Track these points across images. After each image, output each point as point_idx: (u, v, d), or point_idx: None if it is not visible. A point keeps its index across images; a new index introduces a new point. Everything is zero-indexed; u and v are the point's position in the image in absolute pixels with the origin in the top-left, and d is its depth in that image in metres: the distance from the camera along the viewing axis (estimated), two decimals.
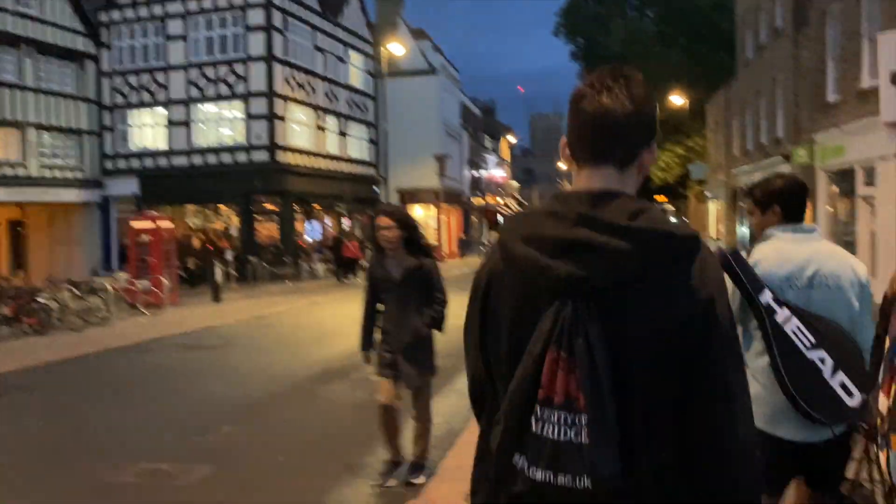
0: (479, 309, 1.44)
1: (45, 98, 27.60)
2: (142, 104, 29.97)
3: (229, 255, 27.33)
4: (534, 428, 1.27)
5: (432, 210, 39.53)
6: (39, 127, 27.36)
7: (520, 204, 75.79)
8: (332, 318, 15.87)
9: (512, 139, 76.63)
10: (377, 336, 5.37)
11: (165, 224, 20.98)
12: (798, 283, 2.71)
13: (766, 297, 2.63)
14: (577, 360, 1.23)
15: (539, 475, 1.26)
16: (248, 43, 28.30)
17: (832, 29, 18.08)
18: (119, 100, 30.17)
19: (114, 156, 30.33)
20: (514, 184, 78.71)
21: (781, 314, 2.63)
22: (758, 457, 1.35)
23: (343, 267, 27.73)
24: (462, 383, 8.02)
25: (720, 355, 1.31)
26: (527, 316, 1.32)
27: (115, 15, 29.98)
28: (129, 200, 30.12)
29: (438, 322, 5.25)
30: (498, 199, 61.64)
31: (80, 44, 29.21)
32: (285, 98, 29.02)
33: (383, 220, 5.13)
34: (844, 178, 17.94)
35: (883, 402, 2.11)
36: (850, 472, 2.96)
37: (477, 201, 50.45)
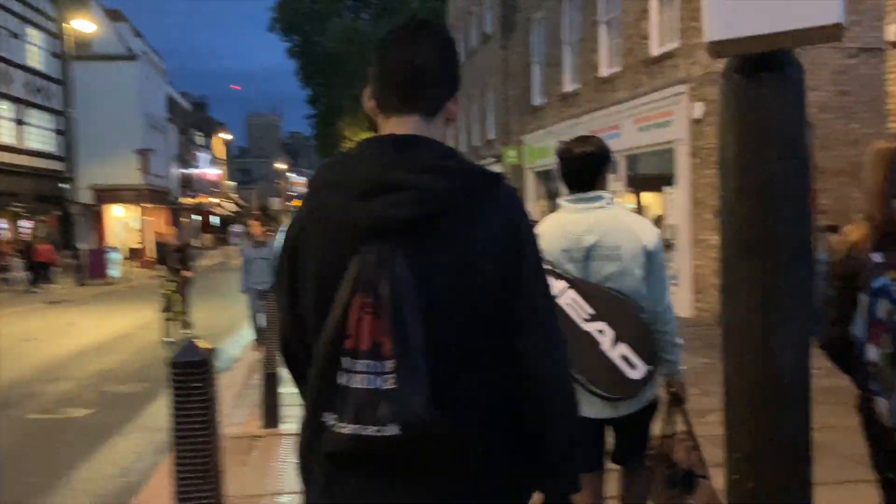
0: (288, 262, 1.39)
1: None
2: None
3: None
4: (340, 380, 1.23)
5: (135, 210, 35.67)
6: None
7: (236, 203, 72.59)
8: None
9: (226, 136, 72.96)
10: None
11: None
12: (577, 255, 2.62)
13: None
14: (381, 303, 1.21)
15: (346, 430, 1.22)
16: None
17: (537, 36, 19.01)
18: None
19: None
20: (230, 183, 75.04)
21: (556, 286, 2.54)
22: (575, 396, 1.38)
23: (35, 272, 23.84)
24: (150, 417, 6.48)
25: (529, 282, 1.32)
26: (335, 264, 1.27)
27: None
28: None
29: None
30: (211, 198, 58.08)
31: None
32: None
33: None
34: (549, 178, 18.97)
35: (874, 352, 2.08)
36: (653, 442, 2.86)
37: (187, 201, 46.84)
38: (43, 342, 12.32)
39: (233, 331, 12.34)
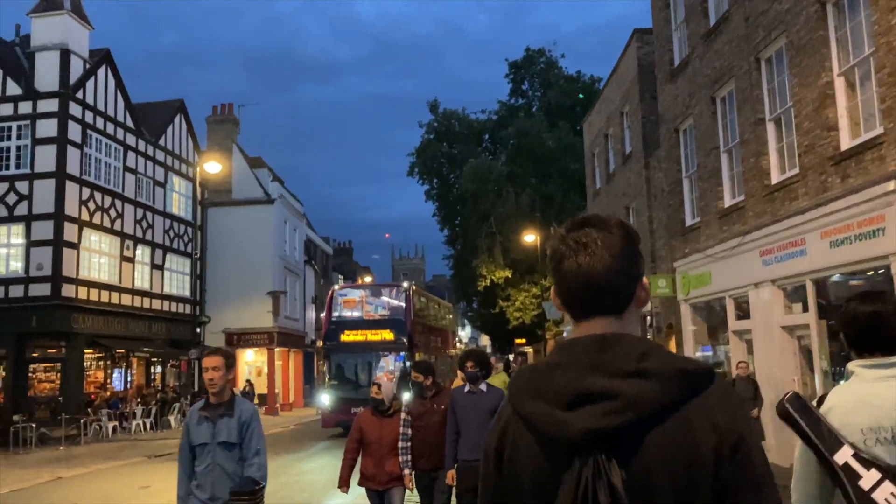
0: (494, 480, 1.38)
1: None
2: None
3: None
4: None
5: (264, 354, 34.89)
6: None
7: None
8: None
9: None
10: None
11: None
12: (886, 434, 2.18)
13: (845, 454, 2.15)
14: None
15: None
16: (34, 157, 23.97)
17: (686, 147, 16.41)
18: None
19: None
20: None
21: (868, 478, 2.11)
22: None
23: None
24: None
25: (751, 487, 1.26)
26: (548, 478, 1.26)
27: None
28: None
29: None
30: None
31: None
32: (79, 222, 24.53)
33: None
34: (712, 311, 15.70)
35: None
36: None
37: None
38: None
39: None
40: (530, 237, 35.44)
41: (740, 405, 1.32)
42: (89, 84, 25.52)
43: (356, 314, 22.79)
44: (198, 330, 32.91)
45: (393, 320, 22.29)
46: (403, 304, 22.72)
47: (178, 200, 31.67)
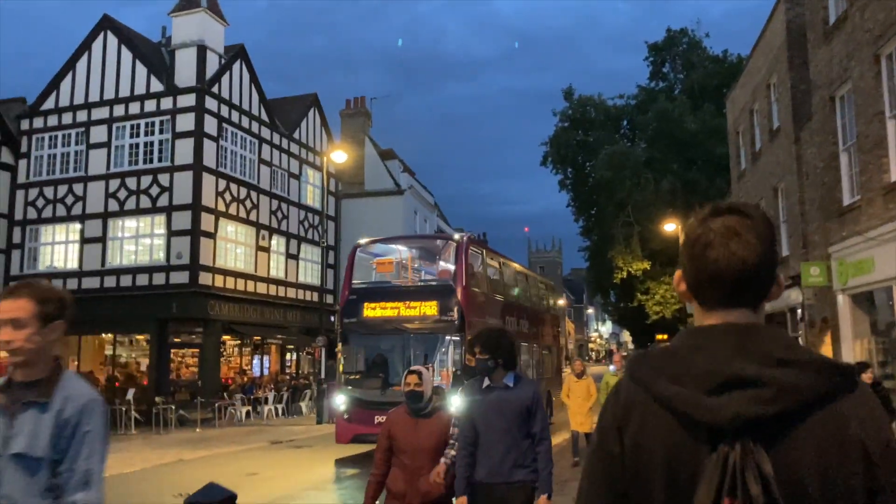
0: (612, 463, 1.33)
1: None
2: (55, 219, 26.37)
3: (130, 395, 22.82)
4: None
5: None
6: None
7: None
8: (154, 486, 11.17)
9: None
10: None
11: None
12: None
13: None
14: None
15: None
16: (175, 150, 25.03)
17: (844, 116, 14.41)
18: (32, 214, 26.64)
19: (20, 277, 26.39)
20: None
21: None
22: None
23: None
24: None
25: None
26: (686, 461, 1.24)
27: (38, 122, 26.99)
28: None
29: None
30: None
31: None
32: (216, 212, 25.40)
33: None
34: (874, 302, 13.68)
35: None
36: None
37: None
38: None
39: None
40: (670, 226, 33.37)
41: (882, 410, 1.28)
42: (224, 79, 26.37)
43: (386, 278, 15.47)
44: (332, 318, 33.49)
45: (439, 287, 14.58)
46: (453, 266, 14.82)
47: (312, 192, 32.29)
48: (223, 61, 26.61)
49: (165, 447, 17.41)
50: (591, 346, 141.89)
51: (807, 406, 1.20)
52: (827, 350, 14.94)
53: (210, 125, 25.32)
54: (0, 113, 26.52)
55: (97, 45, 26.47)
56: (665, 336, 46.07)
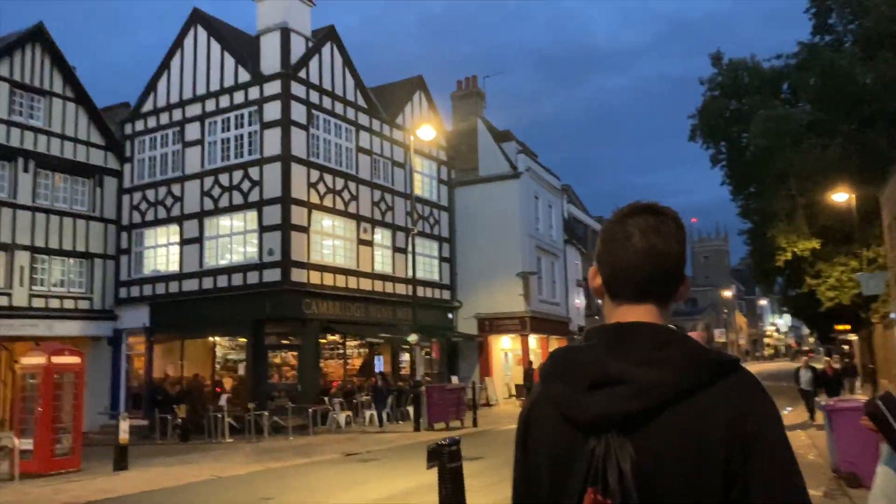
0: (521, 454, 1.42)
1: (46, 217, 24.18)
2: (157, 221, 25.91)
3: (223, 401, 21.63)
4: None
5: (518, 341, 32.05)
6: (34, 250, 23.79)
7: None
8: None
9: None
10: None
11: (66, 359, 15.59)
12: None
13: None
14: (610, 496, 1.21)
15: None
16: (263, 141, 23.68)
17: None
18: (137, 218, 26.37)
19: (128, 282, 26.19)
20: None
21: None
22: None
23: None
24: None
25: (766, 483, 1.24)
26: (565, 453, 1.30)
27: (139, 125, 26.75)
28: (140, 333, 25.71)
29: None
30: None
31: (98, 158, 26.04)
32: (308, 205, 23.77)
33: None
34: None
35: None
36: None
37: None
38: None
39: None
40: (841, 196, 28.06)
41: (762, 395, 1.31)
42: (313, 63, 24.75)
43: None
44: (450, 315, 31.17)
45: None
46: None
47: (420, 180, 30.08)
48: (310, 45, 25.01)
49: (226, 459, 15.69)
50: (766, 340, 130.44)
51: (669, 402, 1.23)
52: None
53: (298, 112, 23.74)
54: (105, 119, 26.48)
55: (188, 41, 25.77)
56: (849, 326, 39.79)
